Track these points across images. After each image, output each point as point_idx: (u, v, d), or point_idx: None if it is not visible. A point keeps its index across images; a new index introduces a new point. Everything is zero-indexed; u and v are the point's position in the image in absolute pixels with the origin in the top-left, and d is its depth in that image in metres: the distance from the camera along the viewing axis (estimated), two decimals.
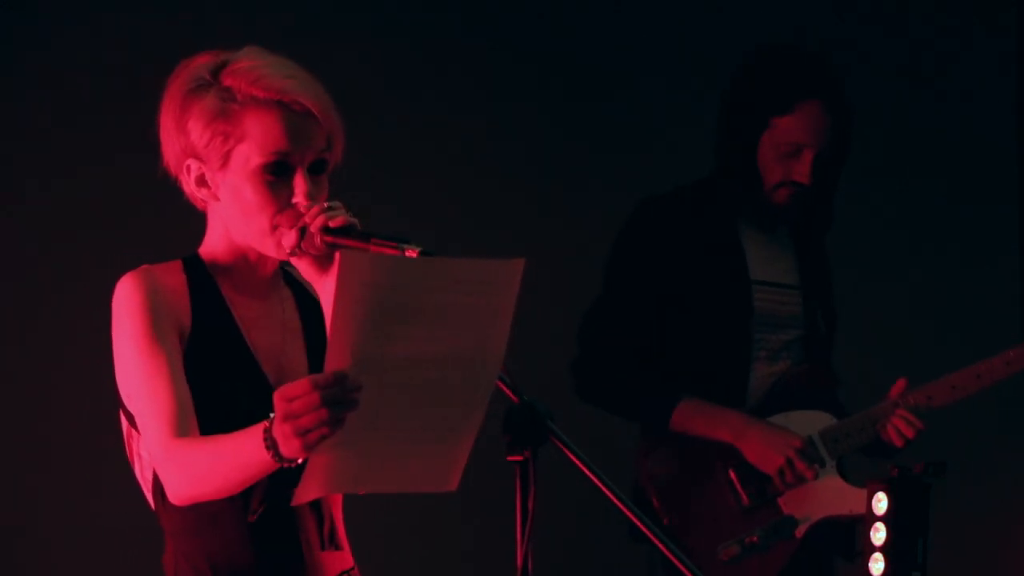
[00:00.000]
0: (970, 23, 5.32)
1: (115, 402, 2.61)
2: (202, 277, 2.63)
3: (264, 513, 2.59)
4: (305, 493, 2.36)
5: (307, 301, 2.73)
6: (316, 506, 2.65)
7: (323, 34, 4.70)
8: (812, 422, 3.94)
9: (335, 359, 2.25)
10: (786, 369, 3.99)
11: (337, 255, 2.35)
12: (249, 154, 2.54)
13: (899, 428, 3.91)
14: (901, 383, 3.95)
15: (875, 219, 5.20)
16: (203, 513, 2.57)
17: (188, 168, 2.60)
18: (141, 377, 2.51)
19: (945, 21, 5.32)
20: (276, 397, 2.27)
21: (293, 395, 2.25)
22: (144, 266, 2.59)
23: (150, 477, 2.61)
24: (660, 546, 2.44)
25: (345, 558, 2.71)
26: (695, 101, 4.78)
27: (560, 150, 5.03)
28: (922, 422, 3.92)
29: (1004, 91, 5.33)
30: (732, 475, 3.88)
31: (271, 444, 2.30)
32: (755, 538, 3.82)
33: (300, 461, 2.33)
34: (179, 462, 2.46)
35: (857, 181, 4.19)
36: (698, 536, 3.83)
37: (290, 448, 2.28)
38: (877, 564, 3.74)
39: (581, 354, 3.99)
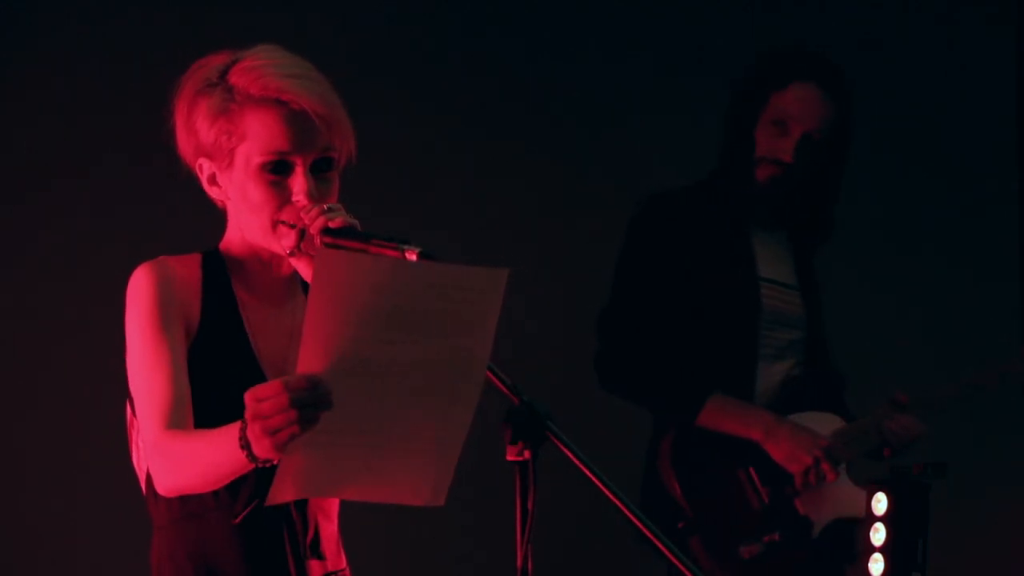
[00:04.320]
0: (970, 23, 5.32)
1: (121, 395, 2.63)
2: (218, 274, 2.63)
3: (251, 516, 2.57)
4: (279, 494, 2.35)
5: None
6: (303, 513, 2.63)
7: (322, 33, 4.70)
8: (823, 424, 3.93)
9: (308, 361, 2.24)
10: (791, 368, 3.99)
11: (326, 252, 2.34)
12: (250, 153, 2.55)
13: (905, 429, 3.93)
14: (901, 396, 3.97)
15: (874, 219, 5.20)
16: (189, 511, 2.57)
17: (200, 167, 2.62)
18: (143, 366, 2.52)
19: (945, 21, 5.32)
20: (247, 397, 2.26)
21: (263, 396, 2.25)
22: (161, 256, 2.60)
23: (146, 468, 2.60)
24: (660, 546, 2.44)
25: (333, 564, 2.68)
26: (698, 103, 4.78)
27: (562, 151, 5.02)
28: (924, 426, 3.94)
29: (1004, 91, 5.33)
30: (752, 473, 3.87)
31: (245, 444, 2.29)
32: (776, 536, 3.78)
33: (276, 462, 2.31)
34: (166, 452, 2.46)
35: (857, 181, 4.19)
36: (717, 532, 3.81)
37: (261, 448, 2.27)
38: (877, 564, 3.74)
39: (604, 347, 3.95)
